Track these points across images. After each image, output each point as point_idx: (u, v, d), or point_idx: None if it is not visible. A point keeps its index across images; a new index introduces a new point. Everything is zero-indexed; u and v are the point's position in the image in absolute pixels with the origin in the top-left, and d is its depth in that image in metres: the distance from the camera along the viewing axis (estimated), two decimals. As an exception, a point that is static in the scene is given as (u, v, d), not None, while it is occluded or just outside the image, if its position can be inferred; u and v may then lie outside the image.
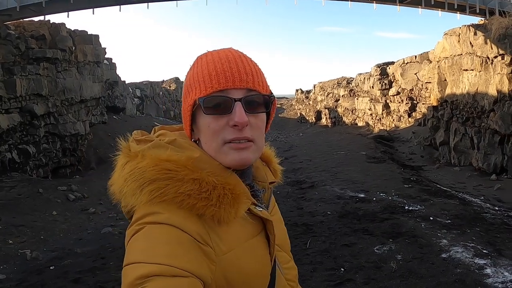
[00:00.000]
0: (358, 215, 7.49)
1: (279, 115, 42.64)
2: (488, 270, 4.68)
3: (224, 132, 0.91)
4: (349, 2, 15.20)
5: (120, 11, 15.06)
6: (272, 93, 1.00)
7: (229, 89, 0.91)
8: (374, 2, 15.06)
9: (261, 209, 0.97)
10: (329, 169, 13.35)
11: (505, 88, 12.15)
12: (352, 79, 31.63)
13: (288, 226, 1.19)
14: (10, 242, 7.41)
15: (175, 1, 14.89)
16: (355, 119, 29.50)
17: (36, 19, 15.00)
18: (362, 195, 9.14)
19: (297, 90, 44.90)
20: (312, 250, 5.83)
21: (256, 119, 0.95)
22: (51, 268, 5.97)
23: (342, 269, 5.05)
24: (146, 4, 15.00)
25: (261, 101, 0.96)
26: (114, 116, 21.82)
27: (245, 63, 0.95)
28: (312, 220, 7.36)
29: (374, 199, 8.67)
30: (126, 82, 27.58)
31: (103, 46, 19.13)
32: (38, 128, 14.05)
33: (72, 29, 16.93)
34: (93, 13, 14.77)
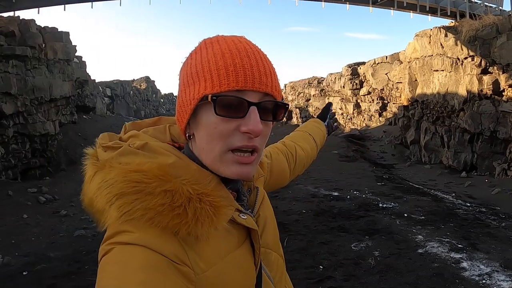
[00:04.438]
0: (333, 213, 7.49)
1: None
2: (465, 264, 4.74)
3: (232, 137, 0.80)
4: (322, 2, 15.28)
5: (92, 8, 14.58)
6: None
7: (247, 90, 0.79)
8: (347, 2, 15.12)
9: (245, 217, 0.87)
10: (302, 168, 13.33)
11: (475, 88, 12.46)
12: (323, 79, 31.68)
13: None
14: (-21, 247, 7.02)
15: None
16: (326, 119, 29.58)
17: (5, 14, 14.33)
18: (336, 193, 9.16)
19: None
20: (290, 248, 5.73)
21: (267, 127, 0.84)
22: (24, 273, 5.68)
23: (321, 267, 5.00)
24: (119, 1, 14.66)
25: (274, 108, 0.84)
26: (84, 116, 21.20)
27: (264, 61, 0.83)
28: (287, 219, 7.28)
29: (348, 197, 8.71)
30: (96, 81, 26.98)
31: (73, 43, 18.53)
32: (7, 128, 13.42)
33: (42, 26, 16.25)
34: (64, 10, 14.30)
